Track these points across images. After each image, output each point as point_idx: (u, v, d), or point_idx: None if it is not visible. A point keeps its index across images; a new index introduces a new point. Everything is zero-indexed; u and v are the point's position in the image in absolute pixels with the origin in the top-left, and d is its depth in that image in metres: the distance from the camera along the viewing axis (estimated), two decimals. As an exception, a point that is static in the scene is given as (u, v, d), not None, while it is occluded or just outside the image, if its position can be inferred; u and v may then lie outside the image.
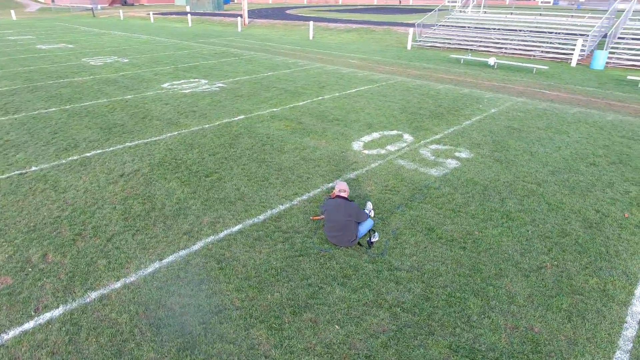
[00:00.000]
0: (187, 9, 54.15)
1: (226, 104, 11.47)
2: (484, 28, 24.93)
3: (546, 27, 23.39)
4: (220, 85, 13.82)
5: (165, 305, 4.13)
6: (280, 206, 6.06)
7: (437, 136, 9.15)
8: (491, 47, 22.64)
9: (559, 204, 6.26)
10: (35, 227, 5.46)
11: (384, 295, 4.31)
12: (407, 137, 9.07)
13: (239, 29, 34.37)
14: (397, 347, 3.69)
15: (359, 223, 5.14)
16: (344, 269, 4.71)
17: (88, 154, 7.86)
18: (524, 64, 18.12)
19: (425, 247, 5.13)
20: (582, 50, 19.61)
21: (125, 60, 18.56)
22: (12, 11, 49.06)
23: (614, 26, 21.06)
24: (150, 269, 4.66)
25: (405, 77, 15.74)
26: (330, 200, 5.25)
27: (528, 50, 21.45)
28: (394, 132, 9.35)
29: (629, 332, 3.92)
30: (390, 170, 7.38)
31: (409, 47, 24.13)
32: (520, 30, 23.44)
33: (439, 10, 29.61)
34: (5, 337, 3.73)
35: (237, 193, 6.43)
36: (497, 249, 5.14)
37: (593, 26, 21.98)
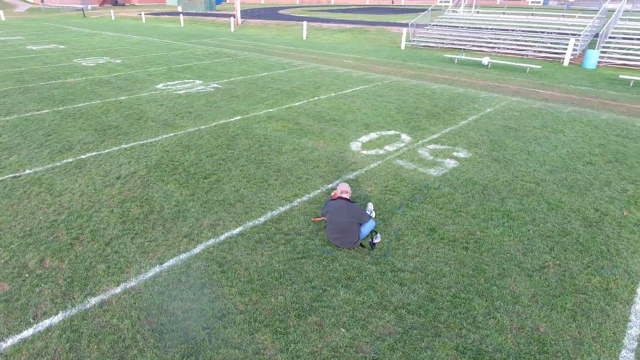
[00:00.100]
0: (179, 9, 53.80)
1: (222, 104, 11.38)
2: (477, 28, 25.07)
3: (538, 27, 23.58)
4: (215, 85, 13.72)
5: (167, 310, 4.06)
6: (281, 208, 6.01)
7: (435, 136, 9.15)
8: (484, 46, 22.77)
9: (559, 203, 6.29)
10: (31, 231, 5.35)
11: (388, 296, 4.28)
12: (405, 137, 9.07)
13: (232, 29, 34.21)
14: (404, 349, 3.66)
15: (361, 224, 5.10)
16: (348, 270, 4.68)
17: (83, 156, 7.74)
18: (517, 64, 18.23)
19: (427, 248, 5.12)
20: (574, 50, 19.79)
21: (118, 61, 18.37)
22: (1, 11, 48.35)
23: (605, 26, 21.28)
24: (150, 273, 4.58)
25: (401, 77, 15.75)
26: (331, 202, 5.21)
27: (521, 50, 21.60)
28: (392, 132, 9.34)
29: (634, 331, 3.93)
30: (389, 170, 7.36)
31: (402, 47, 24.18)
32: (512, 30, 23.60)
33: (432, 10, 29.72)
34: (4, 345, 3.64)
35: (236, 195, 6.36)
36: (499, 248, 5.14)
37: (584, 26, 22.20)
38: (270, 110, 10.94)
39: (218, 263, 4.77)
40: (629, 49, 19.42)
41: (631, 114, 11.27)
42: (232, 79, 14.76)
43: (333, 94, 12.74)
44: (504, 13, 28.03)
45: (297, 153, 8.03)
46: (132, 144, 8.39)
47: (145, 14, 48.07)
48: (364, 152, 8.18)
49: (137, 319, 3.95)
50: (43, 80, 14.17)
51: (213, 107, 11.07)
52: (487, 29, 24.60)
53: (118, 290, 4.33)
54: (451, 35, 24.75)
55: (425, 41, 24.82)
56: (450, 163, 7.68)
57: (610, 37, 20.83)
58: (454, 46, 23.68)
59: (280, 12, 51.92)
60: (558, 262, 4.91)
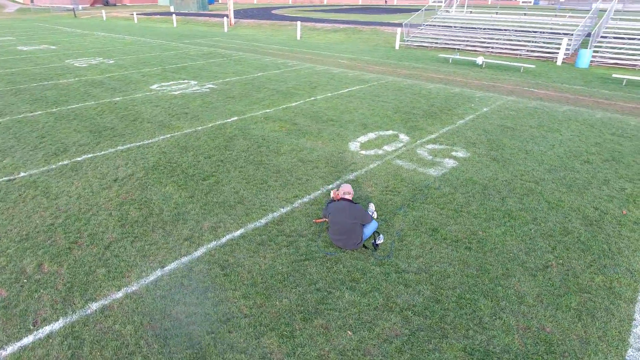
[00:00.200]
0: (171, 9, 53.45)
1: (218, 105, 11.30)
2: (471, 28, 25.19)
3: (531, 27, 23.75)
4: (211, 86, 13.62)
5: (170, 314, 4.00)
6: (282, 209, 5.96)
7: (433, 136, 9.15)
8: (478, 46, 22.88)
9: (558, 202, 6.31)
10: (28, 235, 5.25)
11: (394, 298, 4.25)
12: (403, 137, 9.06)
13: (225, 29, 34.04)
14: (412, 351, 3.63)
15: (363, 225, 5.07)
16: (352, 272, 4.64)
17: (79, 159, 7.62)
18: (512, 63, 18.34)
19: (430, 249, 5.10)
20: (567, 49, 19.95)
21: (111, 62, 18.17)
22: (-11, 12, 47.66)
23: (597, 25, 21.49)
24: (152, 277, 4.51)
25: (396, 76, 15.76)
26: (334, 203, 5.17)
27: (514, 50, 21.73)
28: (390, 132, 9.32)
29: (639, 330, 3.94)
30: (389, 170, 7.35)
31: (397, 47, 24.21)
32: (506, 30, 23.74)
33: (426, 10, 29.81)
34: (4, 353, 3.56)
35: (236, 196, 6.30)
36: (502, 248, 5.14)
37: (576, 25, 22.40)
38: (267, 110, 10.87)
39: (220, 266, 4.71)
40: (620, 49, 19.62)
41: (625, 112, 11.37)
42: (228, 80, 14.66)
43: (329, 94, 12.70)
44: (496, 13, 28.19)
45: (295, 154, 7.98)
46: (128, 146, 8.29)
47: (137, 14, 47.68)
48: (363, 152, 8.16)
49: (140, 324, 3.88)
50: (35, 82, 13.97)
51: (209, 108, 10.99)
52: (481, 28, 24.73)
53: (119, 294, 4.26)
54: (445, 35, 24.84)
55: (419, 41, 24.88)
56: (450, 163, 7.68)
57: (602, 37, 21.04)
58: (447, 46, 23.77)
59: (273, 12, 51.78)
60: (561, 261, 4.91)
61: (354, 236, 4.95)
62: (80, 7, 63.63)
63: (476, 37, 23.66)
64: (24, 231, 5.34)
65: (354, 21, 36.24)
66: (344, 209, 5.00)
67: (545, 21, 24.30)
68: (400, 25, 28.90)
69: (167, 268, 4.66)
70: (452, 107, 11.51)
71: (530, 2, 65.31)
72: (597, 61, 19.07)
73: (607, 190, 6.75)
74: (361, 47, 24.63)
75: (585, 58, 18.44)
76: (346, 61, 19.24)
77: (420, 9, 29.18)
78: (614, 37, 20.76)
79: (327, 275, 4.58)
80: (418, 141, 8.79)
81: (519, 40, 22.33)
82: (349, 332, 3.82)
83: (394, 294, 4.31)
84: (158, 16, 46.43)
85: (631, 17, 23.85)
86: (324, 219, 5.44)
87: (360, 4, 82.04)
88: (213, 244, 5.12)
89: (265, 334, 3.79)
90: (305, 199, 6.26)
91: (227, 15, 37.29)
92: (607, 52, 19.49)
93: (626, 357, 3.65)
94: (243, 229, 5.44)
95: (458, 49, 23.10)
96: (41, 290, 4.30)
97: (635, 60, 18.54)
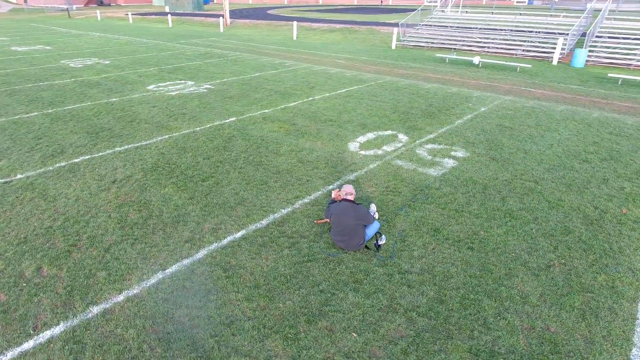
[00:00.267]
0: (166, 9, 53.22)
1: (216, 105, 11.24)
2: (466, 27, 25.26)
3: (526, 27, 23.85)
4: (208, 86, 13.56)
5: (173, 318, 3.96)
6: (282, 210, 5.93)
7: (432, 135, 9.15)
8: (474, 46, 22.94)
9: (558, 202, 6.32)
10: (26, 238, 5.18)
11: (397, 299, 4.24)
12: (402, 136, 9.05)
13: (221, 29, 33.93)
14: (418, 353, 3.62)
15: (365, 226, 5.05)
16: (355, 273, 4.62)
17: (76, 160, 7.55)
18: (508, 63, 18.39)
19: (433, 249, 5.09)
20: (562, 49, 20.05)
21: (107, 62, 18.05)
22: (-18, 12, 47.24)
23: (592, 25, 21.61)
24: (153, 280, 4.47)
25: (393, 76, 15.76)
26: (336, 204, 5.15)
27: (510, 49, 21.82)
28: (389, 132, 9.31)
29: (643, 329, 3.95)
30: (389, 171, 7.33)
31: (393, 47, 24.23)
32: (502, 30, 23.83)
33: (422, 10, 29.87)
34: (4, 359, 3.50)
35: (236, 198, 6.26)
36: (504, 248, 5.14)
37: (571, 25, 22.51)
38: (265, 111, 10.83)
39: (222, 268, 4.67)
40: (615, 48, 19.74)
41: (622, 112, 11.43)
42: (225, 80, 14.60)
43: (327, 94, 12.68)
44: (492, 13, 28.30)
45: (295, 154, 7.95)
46: (126, 147, 8.22)
47: (132, 14, 47.42)
48: (363, 152, 8.14)
49: (143, 327, 3.84)
50: (30, 82, 13.83)
51: (207, 109, 10.93)
52: (477, 28, 24.80)
53: (120, 298, 4.21)
54: (441, 35, 24.89)
55: (415, 41, 24.92)
56: (449, 162, 7.68)
57: (597, 37, 21.16)
58: (444, 46, 23.82)
59: (268, 12, 51.70)
60: (563, 261, 4.92)
61: (356, 237, 4.93)
62: (74, 7, 63.21)
63: (472, 37, 23.73)
64: (22, 234, 5.27)
65: (350, 21, 36.24)
66: (346, 209, 4.98)
67: (541, 21, 24.42)
68: (396, 25, 28.94)
69: (169, 270, 4.62)
70: (450, 106, 11.52)
71: (524, 2, 65.62)
72: (592, 60, 19.18)
73: (606, 189, 6.77)
74: (358, 47, 24.62)
75: (580, 57, 18.53)
76: (343, 61, 19.22)
77: (415, 9, 29.25)
78: (609, 37, 20.89)
79: (330, 277, 4.55)
80: (417, 141, 8.79)
81: (514, 40, 22.42)
82: (353, 333, 3.79)
83: (398, 295, 4.29)
84: (153, 16, 46.22)
85: (625, 17, 24.02)
86: (326, 220, 5.41)
87: (355, 4, 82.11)
88: (214, 245, 5.08)
89: (270, 336, 3.76)
90: (306, 200, 6.23)
91: (222, 16, 37.18)
92: (602, 51, 19.60)
93: (631, 357, 3.66)
94: (244, 231, 5.40)
95: (454, 48, 23.16)
96: (41, 294, 4.24)
97: (630, 59, 18.67)
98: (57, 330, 3.81)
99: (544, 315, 4.08)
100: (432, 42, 24.36)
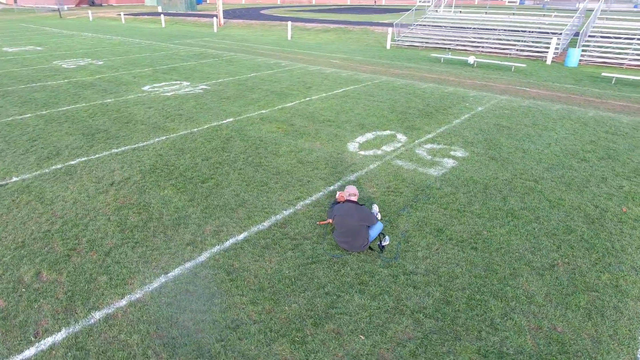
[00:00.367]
0: (159, 9, 52.83)
1: (212, 106, 11.15)
2: (461, 27, 25.35)
3: (520, 26, 23.99)
4: (204, 87, 13.46)
5: (177, 322, 3.90)
6: (284, 211, 5.88)
7: (430, 135, 9.15)
8: (468, 46, 23.03)
9: (559, 201, 6.34)
10: (24, 243, 5.08)
11: (404, 301, 4.21)
12: (401, 136, 9.04)
13: (215, 29, 33.75)
14: (426, 355, 3.59)
15: (369, 227, 5.02)
16: (360, 275, 4.59)
17: (72, 162, 7.44)
18: (503, 62, 18.48)
19: (437, 249, 5.07)
20: (556, 48, 20.19)
21: (100, 63, 17.85)
22: (-29, 12, 46.56)
23: (585, 25, 21.80)
24: (155, 284, 4.40)
25: (389, 76, 15.77)
26: (339, 205, 5.11)
27: (504, 49, 21.93)
28: (387, 132, 9.30)
29: (649, 328, 3.96)
30: (389, 171, 7.31)
31: (388, 47, 24.25)
32: (495, 30, 23.95)
33: (416, 10, 29.94)
34: (5, 366, 3.43)
35: (237, 199, 6.20)
36: (507, 248, 5.13)
37: (564, 25, 22.69)
38: (263, 111, 10.77)
39: (226, 271, 4.61)
40: (607, 47, 19.92)
41: (616, 111, 11.52)
42: (221, 80, 14.51)
43: (324, 94, 12.64)
44: (486, 13, 28.44)
45: (294, 155, 7.90)
46: (123, 149, 8.12)
47: (124, 15, 47.02)
48: (362, 152, 8.12)
49: (147, 333, 3.77)
50: (23, 83, 13.64)
51: (204, 109, 10.84)
52: (471, 28, 24.91)
53: (123, 302, 4.14)
54: (436, 35, 24.97)
55: (410, 41, 24.96)
56: (449, 162, 7.68)
57: (590, 36, 21.34)
58: (438, 45, 23.89)
59: (262, 12, 51.55)
60: (567, 260, 4.92)
61: (360, 238, 4.90)
62: (65, 7, 62.54)
63: (466, 37, 23.82)
64: (20, 238, 5.17)
65: (344, 21, 36.24)
66: (349, 210, 4.95)
67: (534, 21, 24.58)
68: (390, 25, 28.97)
69: (171, 274, 4.56)
70: (447, 106, 11.54)
71: (516, 2, 66.04)
72: (585, 60, 19.33)
73: (605, 188, 6.81)
74: (352, 47, 24.62)
75: (574, 57, 18.68)
76: (338, 61, 19.20)
77: (408, 9, 29.33)
78: (601, 37, 21.08)
79: (335, 279, 4.52)
80: (416, 141, 8.78)
81: (508, 40, 22.54)
82: (361, 336, 3.76)
83: (404, 297, 4.27)
84: (146, 16, 45.87)
85: (616, 17, 24.26)
86: (329, 221, 5.38)
87: (349, 4, 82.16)
88: (217, 248, 5.02)
89: (277, 340, 3.71)
90: (307, 201, 6.19)
91: (216, 16, 36.99)
92: (595, 51, 19.77)
93: (638, 356, 3.66)
94: (246, 233, 5.34)
95: (449, 48, 23.23)
96: (41, 300, 4.16)
97: (622, 58, 18.85)
98: (59, 336, 3.73)
99: (550, 315, 4.08)
100: (427, 42, 24.42)
